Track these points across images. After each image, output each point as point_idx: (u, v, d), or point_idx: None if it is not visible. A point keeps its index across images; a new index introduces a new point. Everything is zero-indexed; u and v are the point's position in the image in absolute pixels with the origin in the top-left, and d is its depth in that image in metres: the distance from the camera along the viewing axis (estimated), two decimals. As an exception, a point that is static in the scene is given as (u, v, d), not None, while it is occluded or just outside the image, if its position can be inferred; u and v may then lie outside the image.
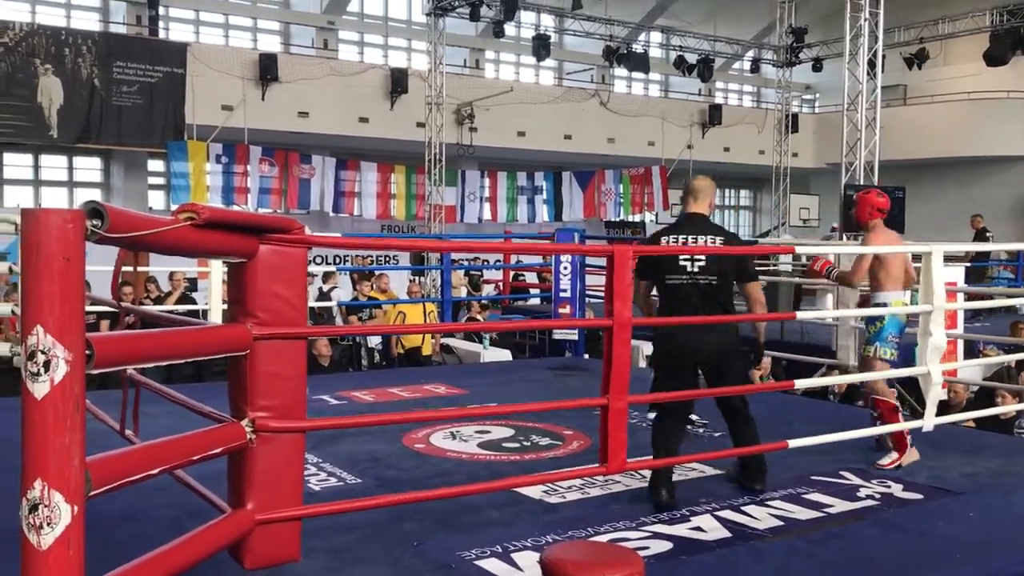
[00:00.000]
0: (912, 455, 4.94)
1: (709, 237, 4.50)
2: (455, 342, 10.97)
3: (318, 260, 17.22)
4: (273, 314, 2.64)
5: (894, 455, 4.91)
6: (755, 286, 4.64)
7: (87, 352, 2.04)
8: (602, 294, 3.54)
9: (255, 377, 2.63)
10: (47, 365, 1.96)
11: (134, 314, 4.05)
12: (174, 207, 2.38)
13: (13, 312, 6.49)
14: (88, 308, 8.04)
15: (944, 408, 7.52)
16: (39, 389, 1.96)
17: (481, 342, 10.61)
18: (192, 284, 11.30)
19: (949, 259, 9.60)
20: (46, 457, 1.96)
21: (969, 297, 9.27)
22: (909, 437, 4.92)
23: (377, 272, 11.98)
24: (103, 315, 8.71)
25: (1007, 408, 7.12)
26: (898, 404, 5.10)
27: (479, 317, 12.56)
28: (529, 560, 3.50)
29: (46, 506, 1.95)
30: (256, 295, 2.62)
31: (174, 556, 2.37)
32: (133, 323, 3.83)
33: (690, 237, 4.51)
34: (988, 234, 15.33)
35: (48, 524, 1.96)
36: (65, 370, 1.97)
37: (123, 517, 3.82)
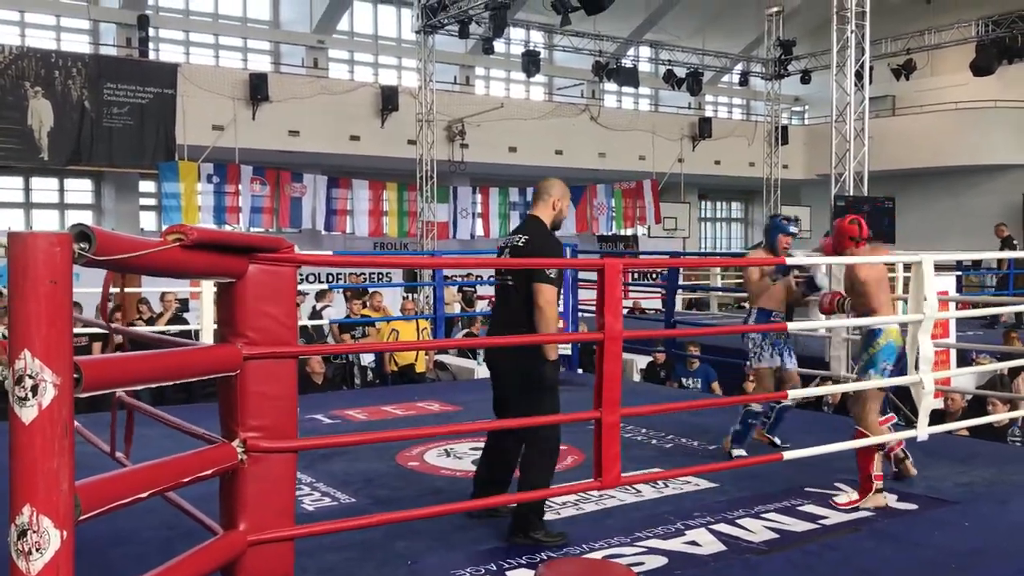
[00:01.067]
0: (877, 500, 4.53)
1: (518, 236, 4.26)
2: (449, 359, 10.95)
3: (311, 279, 17.20)
4: (263, 333, 2.63)
5: (854, 495, 4.57)
6: (542, 289, 3.98)
7: (75, 376, 2.03)
8: (595, 308, 3.54)
9: (246, 397, 2.62)
10: (35, 389, 1.95)
11: (124, 336, 4.03)
12: (166, 228, 2.39)
13: (4, 336, 6.46)
14: (79, 331, 8.01)
15: (941, 417, 7.52)
16: (27, 414, 1.95)
17: (475, 358, 10.59)
18: (183, 305, 11.27)
19: (940, 268, 9.63)
20: (34, 482, 1.95)
21: (961, 307, 9.29)
22: (879, 482, 4.57)
23: (371, 290, 11.95)
24: (95, 337, 8.68)
25: (1001, 416, 7.12)
26: (878, 456, 4.68)
27: (475, 332, 12.55)
28: (524, 577, 3.48)
29: (35, 532, 1.94)
30: (246, 314, 2.62)
31: (166, 579, 2.35)
32: (122, 345, 3.82)
33: (509, 237, 4.36)
34: (1015, 242, 15.25)
35: (37, 550, 1.94)
36: (53, 394, 1.96)
37: (114, 540, 3.80)
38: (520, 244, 4.20)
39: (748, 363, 6.05)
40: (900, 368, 4.94)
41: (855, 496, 4.54)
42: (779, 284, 5.81)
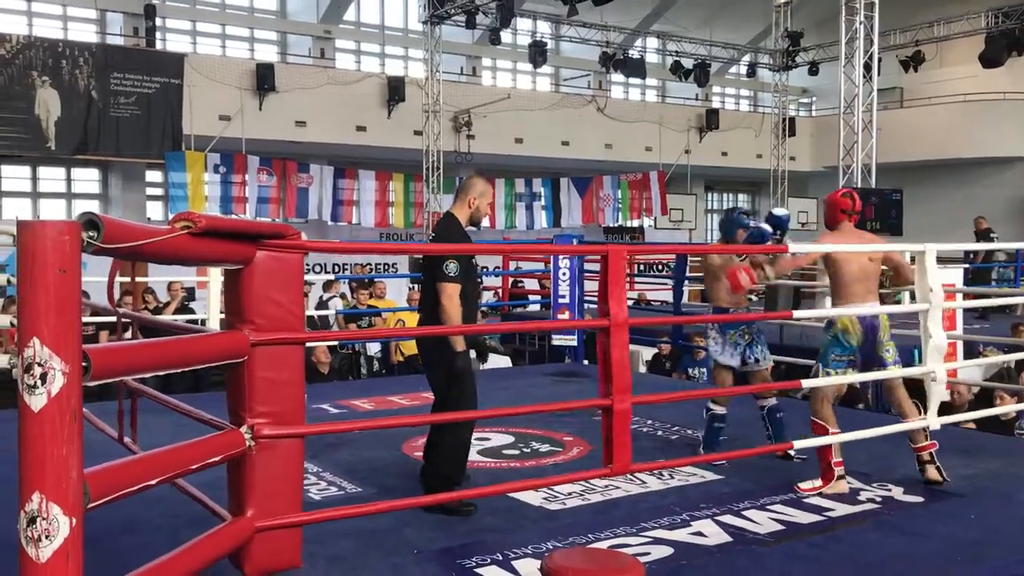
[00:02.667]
0: (839, 487, 4.54)
1: (432, 233, 4.48)
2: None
3: (317, 269, 17.22)
4: (270, 320, 2.63)
5: (817, 482, 4.58)
6: (443, 287, 4.23)
7: (84, 364, 2.04)
8: (597, 297, 3.54)
9: (253, 383, 2.63)
10: (44, 377, 1.95)
11: (133, 323, 4.05)
12: (172, 217, 2.41)
13: (12, 324, 6.49)
14: (88, 319, 8.02)
15: (947, 409, 7.51)
16: (36, 401, 1.95)
17: (481, 349, 10.60)
18: (190, 294, 11.29)
19: (947, 261, 9.60)
20: (43, 470, 1.96)
21: (968, 298, 9.27)
22: (840, 468, 4.55)
23: (375, 280, 11.97)
24: (103, 326, 8.71)
25: (1008, 408, 7.11)
26: (832, 431, 4.63)
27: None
28: (530, 567, 3.49)
29: (44, 519, 1.95)
30: (253, 301, 2.62)
31: (174, 565, 2.37)
32: (131, 332, 3.83)
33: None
34: (992, 235, 15.25)
35: (46, 537, 1.95)
36: (62, 382, 1.97)
37: (123, 527, 3.82)
38: (428, 241, 4.36)
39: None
40: (864, 359, 4.76)
41: (819, 483, 4.56)
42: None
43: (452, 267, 4.26)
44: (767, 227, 5.33)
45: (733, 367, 5.46)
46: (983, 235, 14.93)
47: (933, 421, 4.83)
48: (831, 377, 4.68)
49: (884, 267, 4.95)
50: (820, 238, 5.04)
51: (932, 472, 4.72)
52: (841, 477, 4.54)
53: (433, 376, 4.49)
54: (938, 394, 4.81)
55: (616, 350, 3.42)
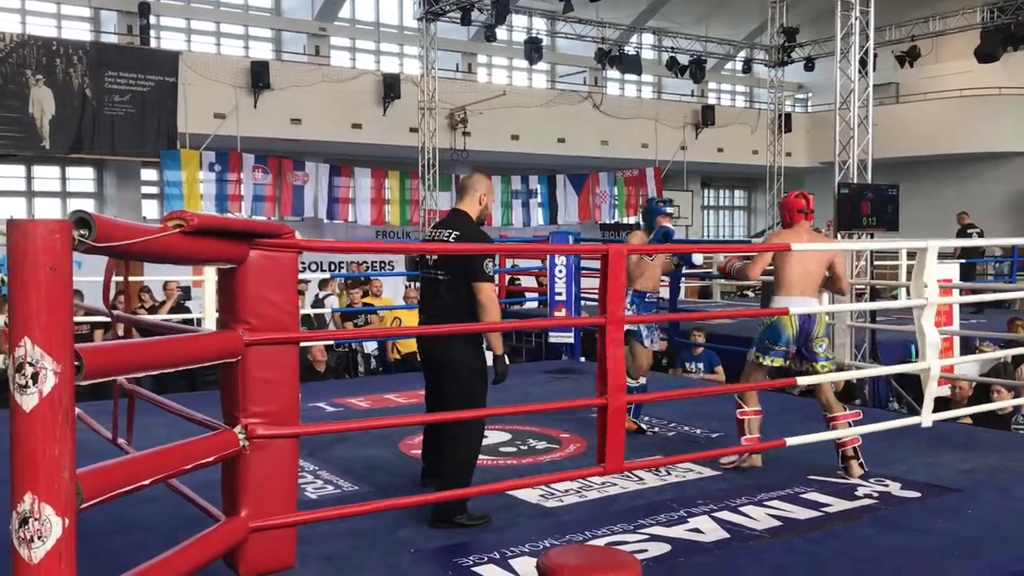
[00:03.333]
0: (753, 461, 4.96)
1: (447, 231, 4.30)
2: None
3: (313, 267, 17.19)
4: (264, 319, 2.62)
5: (734, 458, 4.97)
6: (482, 287, 4.13)
7: (76, 363, 2.03)
8: (597, 297, 3.53)
9: (247, 383, 2.61)
10: (35, 377, 1.94)
11: (127, 323, 4.03)
12: (164, 216, 2.40)
13: (5, 324, 6.47)
14: (82, 319, 7.99)
15: (947, 405, 7.52)
16: (27, 401, 1.94)
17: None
18: (186, 293, 11.26)
19: (943, 256, 9.60)
20: (35, 470, 1.94)
21: (964, 294, 9.29)
22: (755, 437, 4.95)
23: (371, 279, 11.95)
24: (97, 325, 8.69)
25: (1005, 403, 7.11)
26: (745, 410, 5.04)
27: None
28: (527, 565, 3.48)
29: (36, 519, 1.94)
30: (247, 300, 2.61)
31: (168, 566, 2.35)
32: (126, 332, 3.82)
33: (436, 231, 4.40)
34: (971, 231, 15.26)
35: (39, 537, 1.94)
36: (54, 382, 1.95)
37: (117, 528, 3.81)
38: (450, 240, 4.27)
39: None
40: (797, 352, 4.95)
41: (736, 458, 4.94)
42: (655, 265, 6.16)
43: (491, 266, 4.20)
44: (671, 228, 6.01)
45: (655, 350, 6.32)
46: (964, 231, 14.94)
47: (926, 417, 4.83)
48: (763, 362, 4.98)
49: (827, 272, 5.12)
50: (773, 236, 5.27)
51: (855, 468, 4.79)
52: (755, 452, 4.90)
53: (446, 375, 4.24)
54: (932, 390, 4.81)
55: (611, 347, 3.41)
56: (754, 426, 5.00)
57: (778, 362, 4.96)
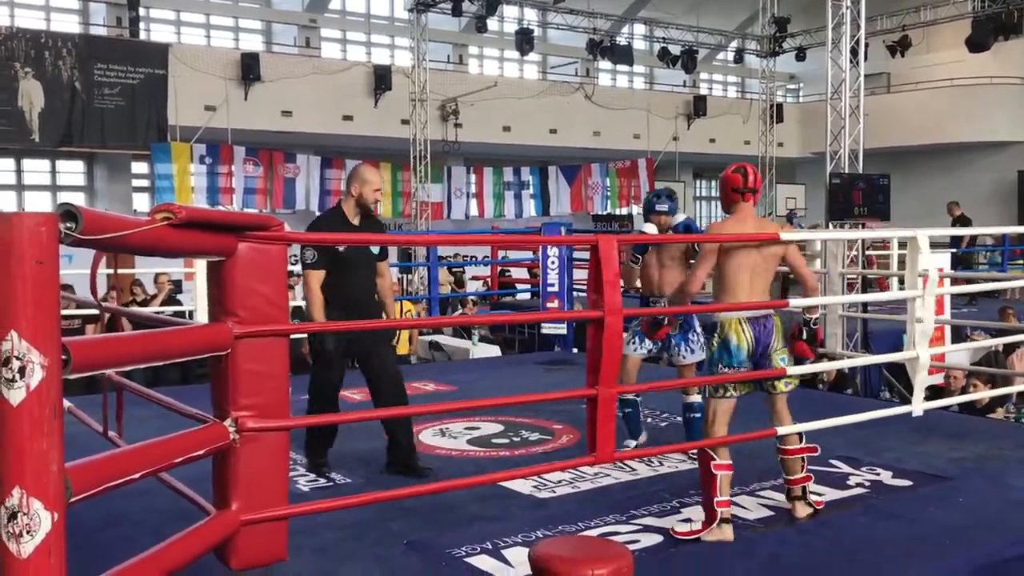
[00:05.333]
0: (722, 533, 3.75)
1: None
2: (444, 339, 10.95)
3: (305, 260, 17.13)
4: (254, 312, 2.61)
5: (696, 524, 3.81)
6: (304, 276, 4.72)
7: (63, 357, 2.01)
8: (586, 286, 3.52)
9: (237, 376, 2.60)
10: (22, 371, 1.93)
11: (118, 316, 4.02)
12: (152, 208, 2.40)
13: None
14: (72, 312, 7.95)
15: (941, 394, 7.54)
16: (14, 396, 1.93)
17: (470, 338, 10.60)
18: (177, 286, 11.23)
19: (935, 245, 9.61)
20: (23, 465, 1.93)
21: (955, 283, 9.31)
22: (724, 509, 3.77)
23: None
24: (89, 319, 8.66)
25: (992, 393, 7.12)
26: (718, 463, 3.81)
27: (469, 313, 12.56)
28: (519, 556, 3.49)
29: (25, 514, 1.92)
30: (236, 293, 2.60)
31: (159, 560, 2.34)
32: (117, 325, 3.80)
33: None
34: (956, 223, 15.20)
35: (28, 532, 1.92)
36: (41, 375, 1.94)
37: (106, 522, 3.80)
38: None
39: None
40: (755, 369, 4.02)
41: (698, 526, 3.78)
42: (638, 267, 5.37)
43: (308, 254, 4.58)
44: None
45: (642, 357, 5.27)
46: (959, 222, 14.95)
47: (917, 407, 4.84)
48: (720, 400, 3.97)
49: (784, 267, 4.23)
50: (713, 227, 4.33)
51: (801, 509, 4.04)
52: (726, 521, 3.76)
53: (373, 363, 4.80)
54: (922, 379, 4.81)
55: (606, 341, 3.40)
56: (726, 485, 3.80)
57: (745, 389, 4.02)
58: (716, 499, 3.75)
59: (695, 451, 4.24)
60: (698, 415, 4.44)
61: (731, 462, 3.85)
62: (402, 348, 10.21)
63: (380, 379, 4.76)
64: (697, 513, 3.93)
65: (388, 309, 5.05)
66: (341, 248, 4.62)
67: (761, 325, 3.96)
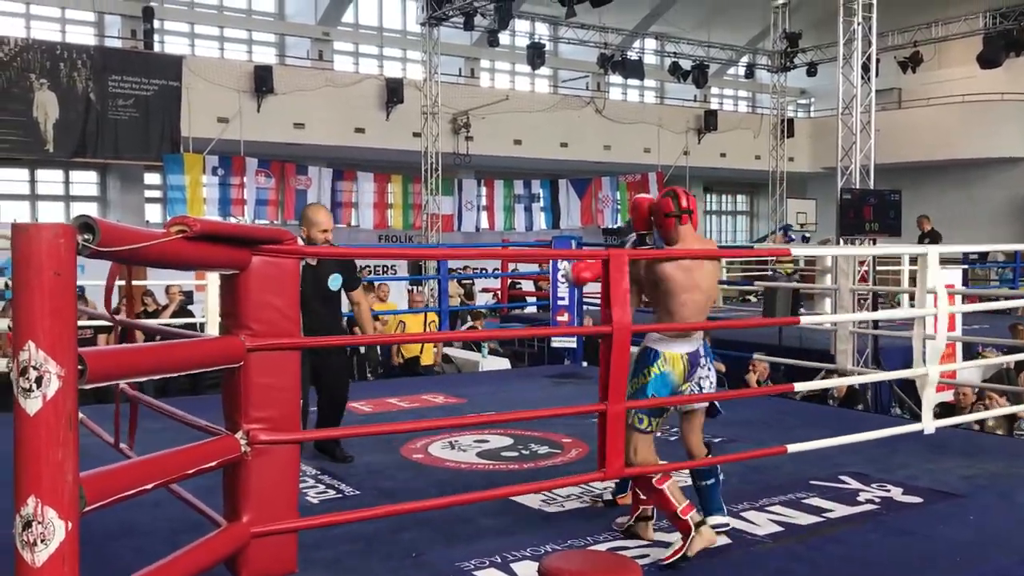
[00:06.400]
0: (704, 539, 3.61)
1: None
2: (454, 351, 10.96)
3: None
4: (266, 325, 2.63)
5: (677, 544, 3.60)
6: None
7: (79, 367, 2.03)
8: (599, 302, 3.52)
9: (249, 389, 2.62)
10: (39, 381, 1.95)
11: (131, 327, 4.04)
12: (167, 221, 2.43)
13: (9, 328, 6.48)
14: (85, 323, 7.98)
15: (952, 410, 7.51)
16: (31, 405, 1.95)
17: (479, 351, 10.60)
18: (188, 297, 11.28)
19: (947, 261, 9.59)
20: (39, 473, 1.95)
21: (968, 300, 9.28)
22: (692, 513, 3.63)
23: (376, 283, 11.96)
24: (101, 329, 8.70)
25: (1007, 410, 7.10)
26: (658, 478, 3.66)
27: (478, 326, 12.57)
28: (528, 570, 3.48)
29: (39, 523, 1.94)
30: (249, 306, 2.62)
31: (170, 570, 2.36)
32: (129, 336, 3.83)
33: None
34: (926, 240, 14.78)
35: (42, 541, 1.94)
36: (57, 385, 1.96)
37: (119, 532, 3.81)
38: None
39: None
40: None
41: (679, 544, 3.60)
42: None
43: None
44: None
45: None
46: (928, 236, 14.60)
47: (928, 424, 4.81)
48: (643, 425, 3.77)
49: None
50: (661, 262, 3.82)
51: (645, 530, 3.87)
52: (701, 523, 3.63)
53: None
54: (930, 397, 4.79)
55: (616, 355, 3.40)
56: (678, 492, 3.68)
57: (663, 419, 3.89)
58: (679, 509, 3.61)
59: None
60: (711, 480, 4.01)
61: (668, 473, 3.72)
62: (427, 359, 10.27)
63: (324, 406, 5.31)
64: (675, 536, 3.73)
65: (364, 330, 5.59)
66: None
67: (695, 352, 3.83)
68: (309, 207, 5.25)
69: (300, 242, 4.81)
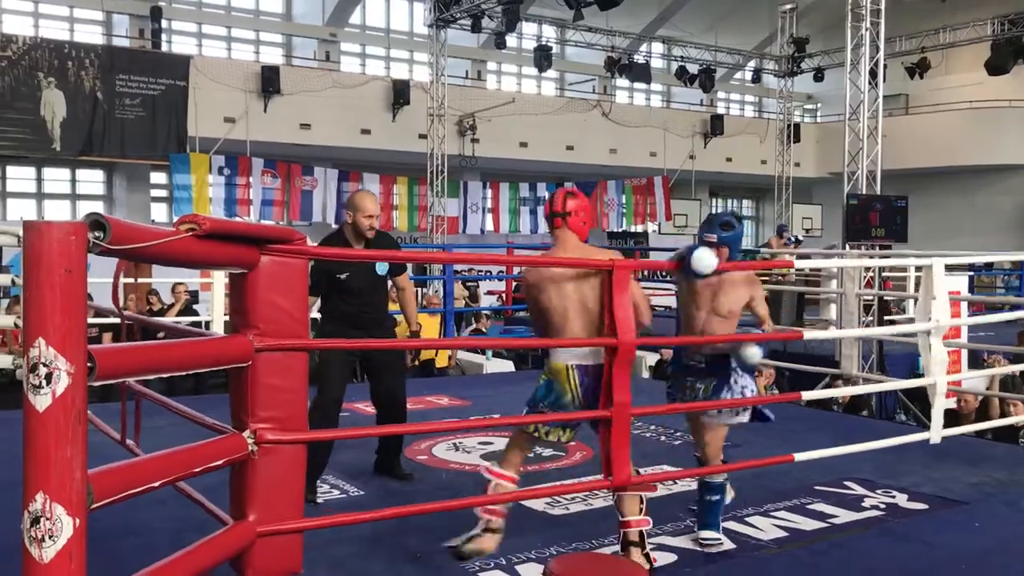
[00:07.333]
0: (482, 543, 3.54)
1: None
2: (458, 353, 10.96)
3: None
4: (274, 325, 2.63)
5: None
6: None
7: (89, 364, 2.03)
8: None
9: (256, 388, 2.61)
10: (49, 377, 1.95)
11: (136, 325, 4.05)
12: (177, 219, 2.42)
13: (16, 324, 6.50)
14: (91, 320, 8.01)
15: (954, 417, 7.49)
16: (41, 402, 1.95)
17: (484, 353, 10.60)
18: (194, 296, 11.30)
19: (952, 268, 9.57)
20: (47, 470, 1.95)
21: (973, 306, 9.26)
22: (492, 519, 3.54)
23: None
24: (106, 327, 8.71)
25: (1015, 419, 7.08)
26: (497, 483, 3.60)
27: (483, 328, 12.57)
28: (532, 572, 3.49)
29: (47, 519, 1.94)
30: (257, 306, 2.61)
31: (176, 569, 2.36)
32: (133, 334, 3.83)
33: None
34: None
35: (50, 537, 1.95)
36: (67, 382, 1.96)
37: (125, 530, 3.82)
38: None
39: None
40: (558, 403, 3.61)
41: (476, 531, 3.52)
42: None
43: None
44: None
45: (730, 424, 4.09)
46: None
47: (935, 433, 4.80)
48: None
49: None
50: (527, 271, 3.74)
51: (635, 555, 3.51)
52: (490, 530, 3.54)
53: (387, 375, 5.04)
54: (940, 406, 4.78)
55: (618, 367, 3.38)
56: (501, 495, 3.54)
57: (566, 436, 3.68)
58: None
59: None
60: (717, 497, 3.89)
61: (513, 475, 3.60)
62: (441, 361, 10.28)
63: (384, 403, 5.03)
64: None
65: (410, 319, 5.24)
66: (342, 275, 4.69)
67: (583, 367, 3.55)
68: (356, 193, 4.95)
69: (348, 226, 4.78)
